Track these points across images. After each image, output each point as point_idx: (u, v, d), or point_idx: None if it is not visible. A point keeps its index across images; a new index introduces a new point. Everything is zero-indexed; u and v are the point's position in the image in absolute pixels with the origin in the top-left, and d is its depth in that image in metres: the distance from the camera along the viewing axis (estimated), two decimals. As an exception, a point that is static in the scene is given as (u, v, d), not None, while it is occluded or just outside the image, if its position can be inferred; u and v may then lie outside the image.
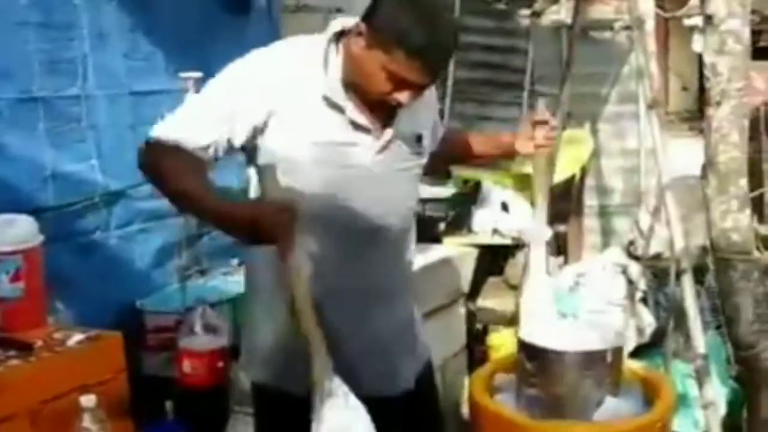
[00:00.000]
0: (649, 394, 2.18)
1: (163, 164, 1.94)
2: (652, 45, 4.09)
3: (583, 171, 5.96)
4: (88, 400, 1.89)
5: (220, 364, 2.51)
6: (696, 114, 7.84)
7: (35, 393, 2.19)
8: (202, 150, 1.94)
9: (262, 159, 1.99)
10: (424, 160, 2.20)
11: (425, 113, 2.18)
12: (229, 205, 1.89)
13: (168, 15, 3.20)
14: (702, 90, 6.82)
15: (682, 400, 3.49)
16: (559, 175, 5.09)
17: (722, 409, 3.53)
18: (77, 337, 2.38)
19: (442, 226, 4.69)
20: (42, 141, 2.79)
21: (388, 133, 2.05)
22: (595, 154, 6.02)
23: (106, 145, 2.99)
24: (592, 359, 2.08)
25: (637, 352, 4.16)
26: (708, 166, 3.09)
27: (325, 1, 4.25)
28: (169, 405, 2.68)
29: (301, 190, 1.94)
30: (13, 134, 2.70)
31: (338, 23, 2.04)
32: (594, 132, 6.07)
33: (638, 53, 3.96)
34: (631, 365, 2.32)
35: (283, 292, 1.99)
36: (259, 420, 2.34)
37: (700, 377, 3.18)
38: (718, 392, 3.45)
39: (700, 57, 6.30)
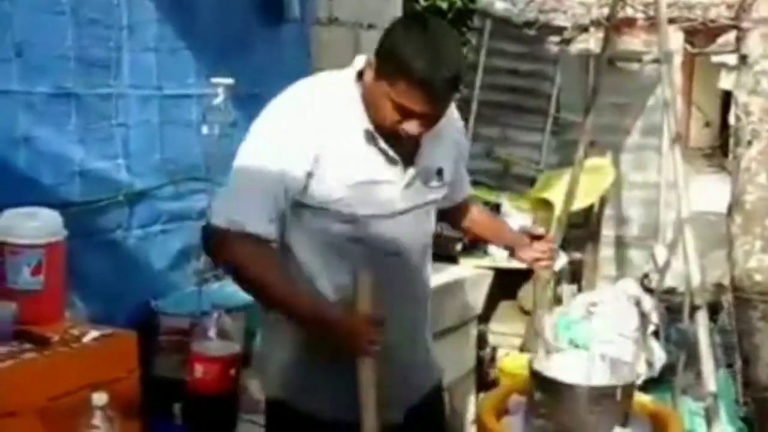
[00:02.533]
0: (657, 429, 2.18)
1: (238, 255, 2.01)
2: (678, 79, 4.08)
3: (603, 200, 5.95)
4: (99, 397, 1.90)
5: (232, 371, 2.52)
6: (717, 151, 7.80)
7: (48, 387, 2.17)
8: (269, 225, 1.98)
9: (305, 200, 2.02)
10: (443, 193, 2.23)
11: (447, 147, 2.20)
12: (316, 310, 2.03)
13: (204, 21, 3.20)
14: (724, 127, 6.79)
15: (689, 438, 3.48)
16: (579, 203, 5.09)
17: (729, 449, 3.52)
18: (93, 333, 2.37)
19: (459, 246, 4.69)
20: (72, 137, 2.79)
21: (411, 171, 2.08)
22: (616, 184, 6.01)
23: (134, 145, 2.99)
24: (602, 395, 2.08)
25: (646, 386, 4.14)
26: (734, 204, 3.10)
27: (356, 16, 4.27)
28: (177, 408, 2.70)
29: (328, 226, 2.02)
30: (44, 128, 2.70)
31: (361, 60, 2.06)
32: (616, 162, 6.06)
33: (664, 87, 3.97)
34: (641, 399, 2.31)
35: None
36: None
37: (709, 416, 3.16)
38: (726, 432, 3.44)
39: (724, 94, 6.28)
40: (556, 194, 5.19)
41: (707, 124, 7.83)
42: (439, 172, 2.16)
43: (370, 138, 2.01)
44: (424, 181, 2.12)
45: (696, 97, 7.24)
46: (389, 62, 1.91)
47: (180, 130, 3.13)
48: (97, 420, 1.89)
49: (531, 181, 6.04)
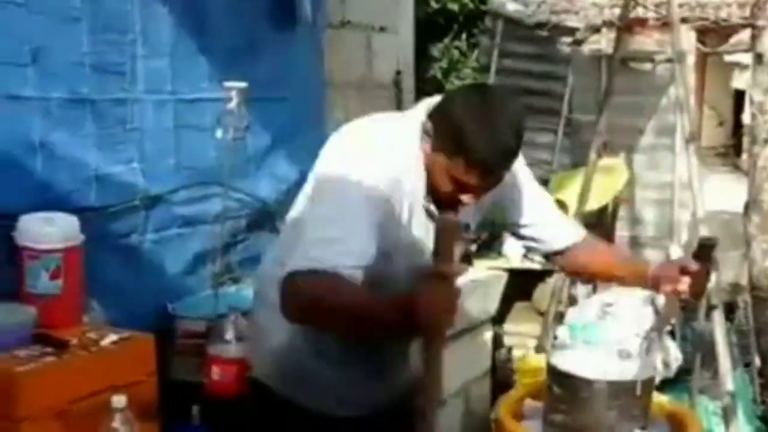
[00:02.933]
0: (675, 429, 2.17)
1: (318, 288, 1.77)
2: (691, 79, 4.07)
3: (616, 201, 5.94)
4: (119, 400, 1.89)
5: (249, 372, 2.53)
6: (730, 150, 7.78)
7: (67, 390, 2.20)
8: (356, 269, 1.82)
9: None
10: (468, 246, 2.20)
11: (481, 202, 2.09)
12: (394, 302, 1.76)
13: (217, 25, 3.22)
14: (737, 127, 6.77)
15: (707, 438, 3.46)
16: (593, 204, 5.08)
17: (747, 448, 3.50)
18: (111, 337, 2.40)
19: (473, 247, 4.69)
20: (87, 142, 2.80)
21: None
22: (630, 184, 6.00)
23: (149, 149, 3.00)
24: (621, 390, 2.06)
25: (663, 386, 4.12)
26: (751, 203, 3.09)
27: (368, 19, 4.28)
28: (195, 410, 2.71)
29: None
30: (59, 134, 2.71)
31: (424, 107, 1.99)
32: (629, 162, 6.05)
33: (678, 86, 3.96)
34: (658, 399, 2.30)
35: None
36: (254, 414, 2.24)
37: (727, 415, 3.16)
38: (743, 431, 3.42)
39: (736, 93, 6.28)
40: (569, 195, 5.18)
41: (720, 124, 7.82)
42: (466, 228, 2.13)
43: (427, 200, 1.99)
44: None
45: (709, 96, 7.22)
46: (447, 137, 1.88)
47: (194, 135, 3.14)
48: (117, 422, 1.88)
49: (544, 182, 6.03)
